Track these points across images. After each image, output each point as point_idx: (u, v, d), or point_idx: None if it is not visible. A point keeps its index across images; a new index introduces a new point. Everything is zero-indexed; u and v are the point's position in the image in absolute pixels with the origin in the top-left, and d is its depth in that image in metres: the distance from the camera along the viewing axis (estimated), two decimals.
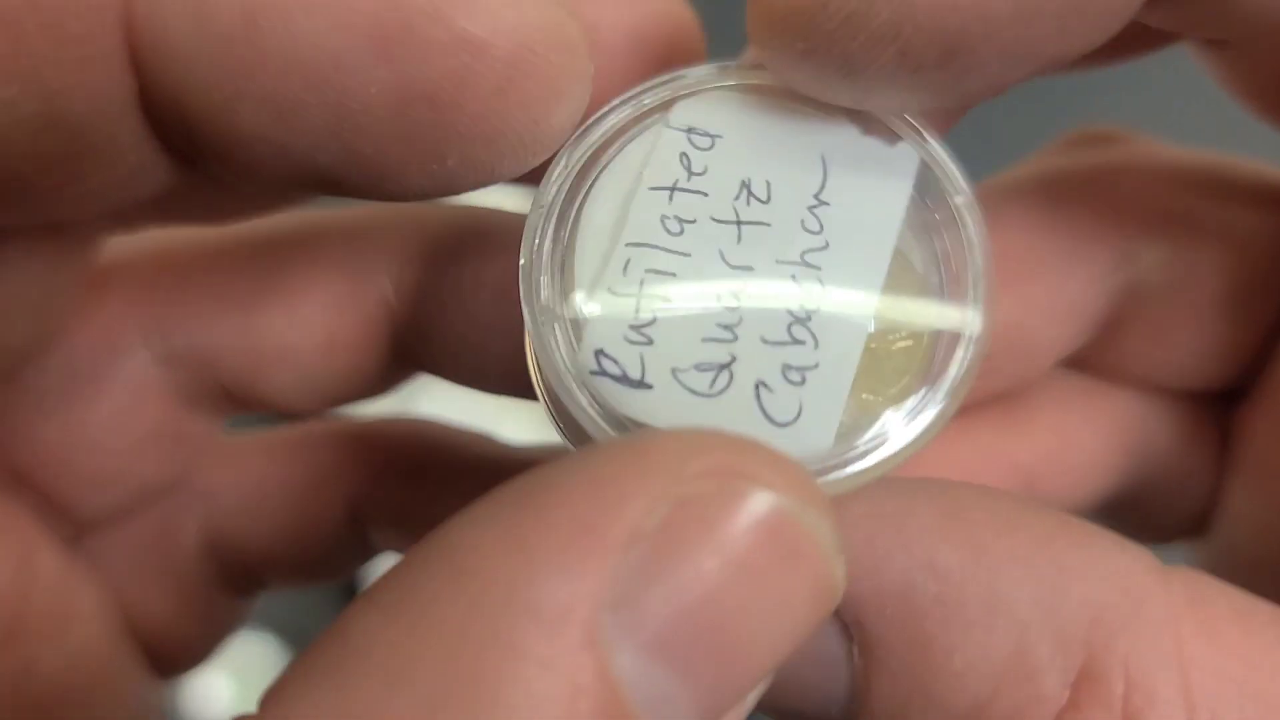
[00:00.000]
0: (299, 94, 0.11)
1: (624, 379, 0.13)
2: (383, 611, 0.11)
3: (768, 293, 0.13)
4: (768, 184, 0.14)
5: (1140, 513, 0.20)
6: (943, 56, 0.12)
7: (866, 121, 0.14)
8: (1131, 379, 0.19)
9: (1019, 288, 0.17)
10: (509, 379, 0.18)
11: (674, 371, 0.13)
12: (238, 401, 0.18)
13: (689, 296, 0.14)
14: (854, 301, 0.14)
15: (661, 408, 0.13)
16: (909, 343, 0.14)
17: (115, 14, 0.11)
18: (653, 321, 0.13)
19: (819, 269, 0.14)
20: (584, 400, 0.13)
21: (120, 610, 0.19)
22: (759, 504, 0.11)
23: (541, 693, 0.10)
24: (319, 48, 0.11)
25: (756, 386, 0.13)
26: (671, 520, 0.10)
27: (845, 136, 0.14)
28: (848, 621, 0.13)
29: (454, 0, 0.11)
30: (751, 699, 0.11)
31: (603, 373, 0.13)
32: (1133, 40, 0.15)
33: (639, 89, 0.15)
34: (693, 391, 0.13)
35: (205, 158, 0.12)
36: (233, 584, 0.20)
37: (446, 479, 0.20)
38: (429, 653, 0.10)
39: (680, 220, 0.14)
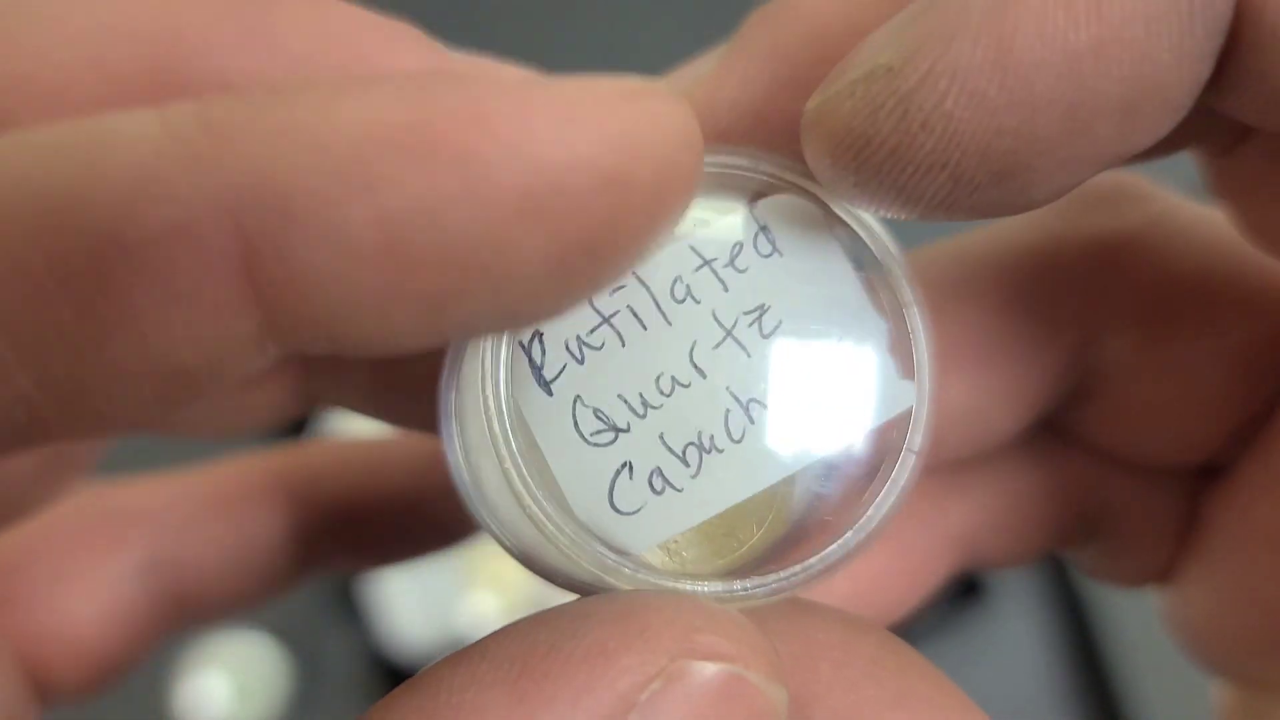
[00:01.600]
0: (457, 284, 0.10)
1: (537, 371, 0.13)
2: None
3: (694, 407, 0.13)
4: (779, 320, 0.14)
5: (1094, 563, 0.19)
6: (996, 177, 0.12)
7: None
8: (1091, 447, 0.18)
9: (974, 371, 0.16)
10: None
11: (578, 398, 0.13)
12: None
13: (641, 355, 0.13)
14: (753, 467, 0.13)
15: (548, 418, 0.13)
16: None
17: (232, 264, 0.10)
18: (599, 347, 0.13)
19: (752, 422, 0.13)
20: (502, 372, 0.13)
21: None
22: (740, 686, 0.11)
23: None
24: (472, 235, 0.10)
25: (624, 465, 0.13)
26: (662, 694, 0.11)
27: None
28: None
29: (590, 137, 0.10)
30: None
31: (527, 352, 0.13)
32: (1197, 130, 0.14)
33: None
34: (577, 426, 0.13)
35: (335, 350, 0.11)
36: (164, 615, 0.21)
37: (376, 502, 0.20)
38: None
39: (688, 292, 0.14)
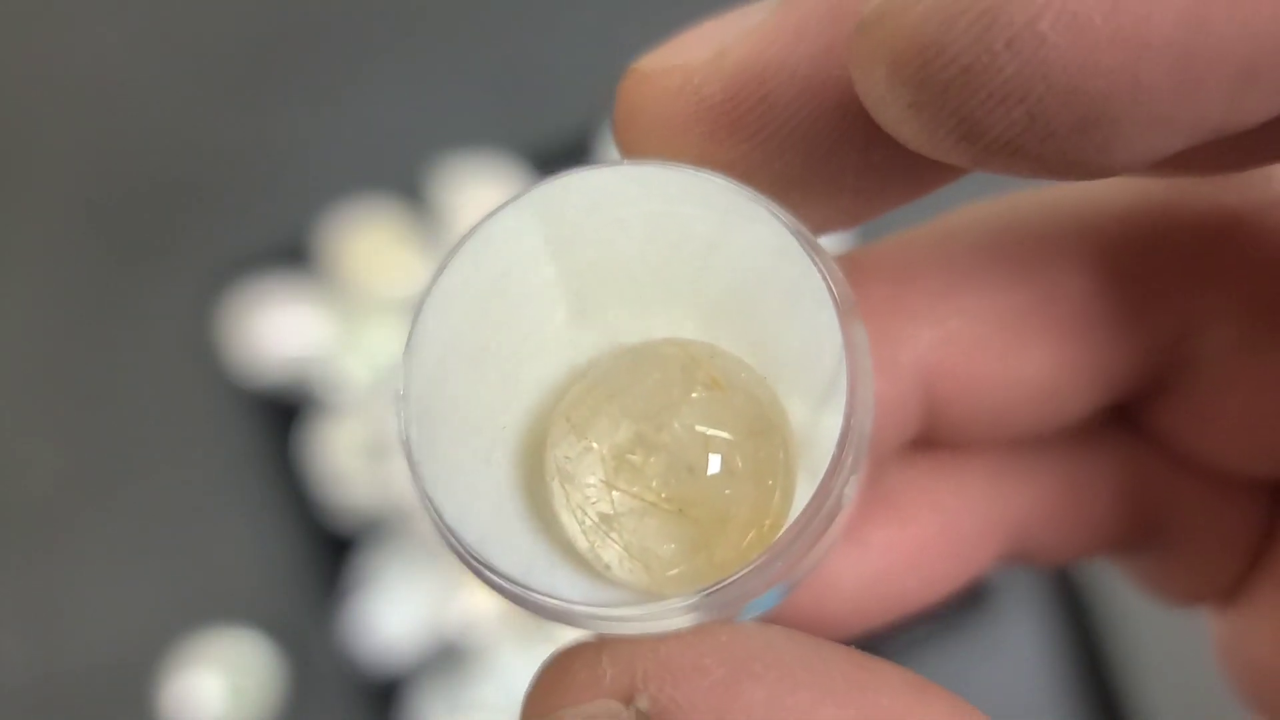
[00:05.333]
0: None
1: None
2: None
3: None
4: None
5: (1147, 573, 0.17)
6: (1080, 124, 0.10)
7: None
8: (1166, 445, 0.16)
9: (1054, 342, 0.14)
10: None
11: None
12: None
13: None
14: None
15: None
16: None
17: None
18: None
19: None
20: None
21: None
22: None
23: None
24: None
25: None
26: None
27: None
28: None
29: None
30: None
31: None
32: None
33: None
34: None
35: None
36: None
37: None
38: None
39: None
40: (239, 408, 0.50)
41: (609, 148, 0.51)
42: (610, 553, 0.10)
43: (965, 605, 0.49)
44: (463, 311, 0.11)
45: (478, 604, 0.46)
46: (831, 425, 0.11)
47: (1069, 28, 0.09)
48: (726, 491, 0.10)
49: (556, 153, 0.52)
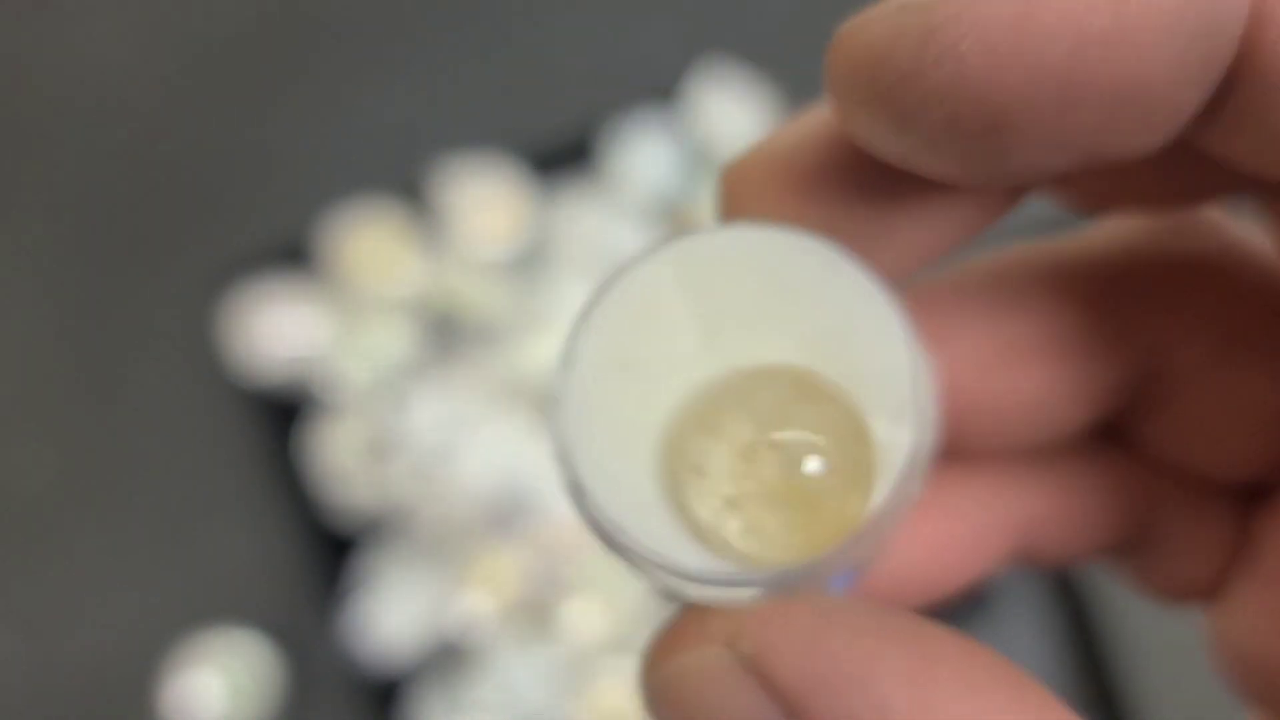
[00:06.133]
0: None
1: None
2: None
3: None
4: None
5: (1140, 574, 0.19)
6: (987, 129, 0.13)
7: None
8: (1150, 455, 0.18)
9: (1048, 363, 0.17)
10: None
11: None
12: None
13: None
14: None
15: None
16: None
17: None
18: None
19: None
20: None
21: None
22: None
23: None
24: None
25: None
26: None
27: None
28: None
29: None
30: None
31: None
32: (1198, 182, 0.16)
33: None
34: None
35: None
36: None
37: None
38: None
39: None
40: (239, 408, 0.50)
41: (609, 148, 0.51)
42: (731, 529, 0.13)
43: (966, 605, 0.49)
44: (610, 336, 0.14)
45: (478, 604, 0.46)
46: (904, 438, 0.13)
47: (982, 50, 0.12)
48: (824, 485, 0.13)
49: (556, 153, 0.52)
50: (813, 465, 0.13)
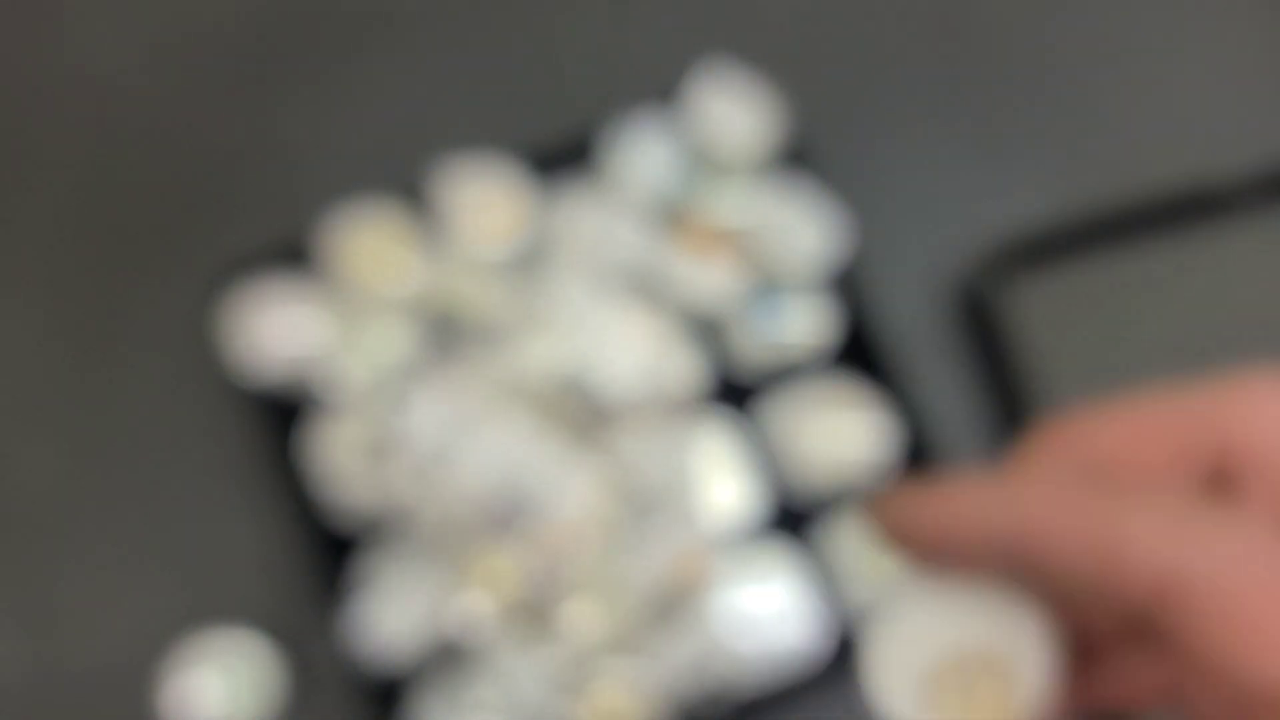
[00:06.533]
0: None
1: None
2: None
3: None
4: None
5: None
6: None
7: None
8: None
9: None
10: None
11: None
12: None
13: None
14: None
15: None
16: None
17: None
18: None
19: None
20: None
21: None
22: None
23: None
24: None
25: None
26: None
27: None
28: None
29: None
30: None
31: None
32: None
33: None
34: None
35: None
36: None
37: None
38: None
39: None
40: (239, 407, 0.50)
41: (609, 148, 0.51)
42: None
43: None
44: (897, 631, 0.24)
45: (478, 604, 0.46)
46: (1041, 684, 0.23)
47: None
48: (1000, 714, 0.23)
49: (557, 153, 0.52)
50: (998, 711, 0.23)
